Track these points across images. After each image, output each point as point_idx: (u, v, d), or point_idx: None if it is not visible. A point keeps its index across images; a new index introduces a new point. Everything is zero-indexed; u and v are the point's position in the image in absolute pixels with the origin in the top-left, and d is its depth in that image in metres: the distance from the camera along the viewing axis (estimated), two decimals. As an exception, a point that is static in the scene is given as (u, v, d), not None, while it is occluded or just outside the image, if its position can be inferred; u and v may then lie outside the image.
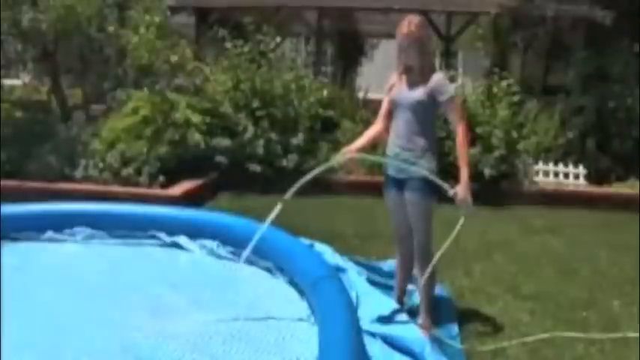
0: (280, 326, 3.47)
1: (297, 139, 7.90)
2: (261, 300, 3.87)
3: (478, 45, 10.92)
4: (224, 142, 7.69)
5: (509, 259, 5.31)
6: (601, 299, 4.43)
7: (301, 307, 3.72)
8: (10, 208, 4.98)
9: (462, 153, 3.50)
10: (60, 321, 3.46)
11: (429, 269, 3.60)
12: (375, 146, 4.14)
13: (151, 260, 4.62)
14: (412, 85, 3.59)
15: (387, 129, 3.83)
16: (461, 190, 3.44)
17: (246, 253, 3.82)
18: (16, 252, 4.57)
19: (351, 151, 3.69)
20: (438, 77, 3.59)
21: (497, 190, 7.56)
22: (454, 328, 3.70)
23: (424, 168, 3.54)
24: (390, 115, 3.75)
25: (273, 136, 7.84)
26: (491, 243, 5.77)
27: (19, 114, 7.92)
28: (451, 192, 3.43)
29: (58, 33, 7.61)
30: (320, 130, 8.44)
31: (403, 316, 3.74)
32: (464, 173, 3.46)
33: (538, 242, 5.95)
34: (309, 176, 3.50)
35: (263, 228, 3.60)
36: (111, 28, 7.88)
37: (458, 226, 3.43)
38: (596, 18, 9.20)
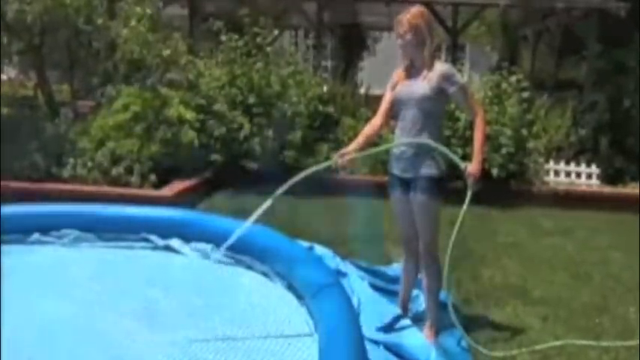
0: (278, 334, 3.45)
1: (295, 137, 7.90)
2: (258, 306, 3.85)
3: (484, 41, 10.94)
4: (219, 130, 7.68)
5: (518, 262, 5.31)
6: (615, 305, 4.43)
7: (300, 314, 3.71)
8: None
9: (479, 138, 3.59)
10: (46, 327, 3.46)
11: (445, 268, 3.62)
12: (376, 144, 4.15)
13: (142, 264, 4.61)
14: (415, 79, 3.59)
15: (385, 126, 3.87)
16: (472, 166, 3.55)
17: (228, 243, 3.82)
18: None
19: (348, 152, 3.70)
20: (442, 68, 3.59)
21: (506, 190, 7.56)
22: (459, 334, 3.70)
23: (431, 167, 3.55)
24: (390, 112, 3.76)
25: (270, 133, 7.84)
26: (500, 245, 5.77)
27: (4, 110, 7.93)
28: (463, 165, 3.58)
29: (45, 25, 7.60)
30: (319, 128, 8.44)
31: (407, 323, 3.75)
32: (478, 153, 3.58)
33: (549, 245, 5.94)
34: (302, 175, 3.60)
35: (249, 222, 3.65)
36: (100, 21, 7.87)
37: (466, 201, 3.56)
38: (610, 9, 9.21)
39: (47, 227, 4.92)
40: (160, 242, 4.87)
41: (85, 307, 3.75)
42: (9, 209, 5.06)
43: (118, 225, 4.99)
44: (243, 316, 3.68)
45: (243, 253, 4.41)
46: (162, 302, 3.85)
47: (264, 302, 3.91)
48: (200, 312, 3.73)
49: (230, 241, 3.78)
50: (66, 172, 7.01)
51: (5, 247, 4.64)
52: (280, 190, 3.58)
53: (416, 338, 3.56)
